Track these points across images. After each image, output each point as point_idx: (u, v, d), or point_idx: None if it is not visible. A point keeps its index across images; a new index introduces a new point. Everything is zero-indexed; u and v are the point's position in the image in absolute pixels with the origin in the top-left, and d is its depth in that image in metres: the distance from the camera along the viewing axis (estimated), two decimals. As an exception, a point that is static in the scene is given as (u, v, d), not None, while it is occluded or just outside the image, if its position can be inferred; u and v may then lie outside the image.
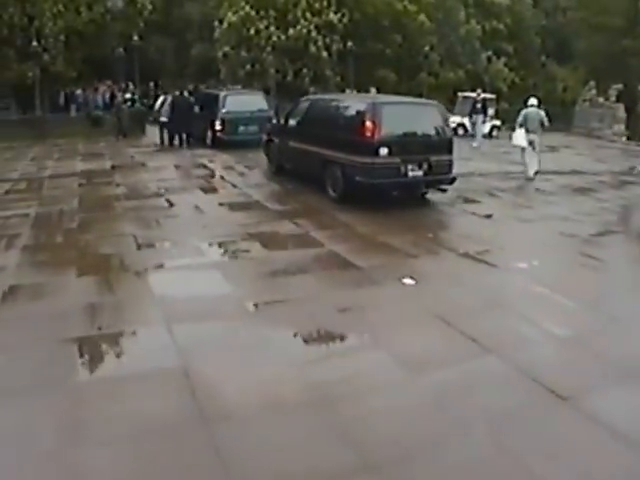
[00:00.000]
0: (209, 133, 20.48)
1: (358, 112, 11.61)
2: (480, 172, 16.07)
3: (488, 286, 7.33)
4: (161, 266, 8.08)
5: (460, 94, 28.94)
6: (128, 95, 28.62)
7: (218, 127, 19.92)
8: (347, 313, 6.44)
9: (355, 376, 5.14)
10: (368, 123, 11.09)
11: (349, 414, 4.60)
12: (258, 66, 34.16)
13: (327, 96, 16.59)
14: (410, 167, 11.21)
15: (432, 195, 12.46)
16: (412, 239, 9.33)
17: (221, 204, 11.83)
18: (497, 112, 29.07)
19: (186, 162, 17.76)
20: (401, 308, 6.60)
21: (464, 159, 18.41)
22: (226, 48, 35.32)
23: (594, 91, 31.80)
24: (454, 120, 27.29)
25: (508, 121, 25.76)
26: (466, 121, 26.22)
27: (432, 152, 11.42)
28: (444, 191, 12.08)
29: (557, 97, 41.25)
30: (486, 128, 16.23)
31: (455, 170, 11.84)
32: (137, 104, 26.07)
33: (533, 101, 15.58)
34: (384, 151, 11.00)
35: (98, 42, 35.63)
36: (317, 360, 5.42)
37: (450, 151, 11.72)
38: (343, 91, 29.91)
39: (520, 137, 15.27)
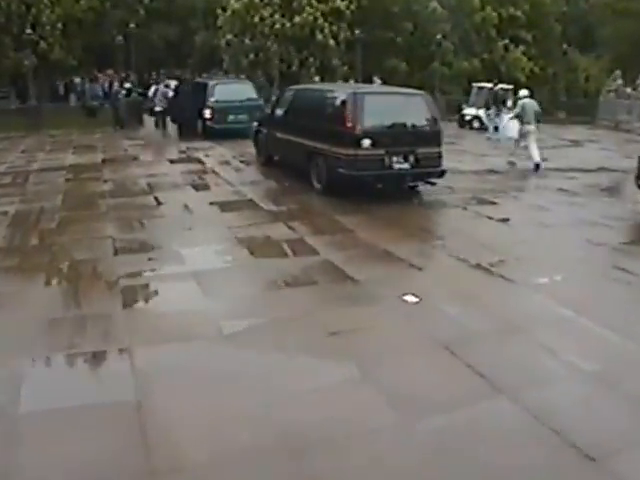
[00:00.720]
0: (199, 122, 20.89)
1: (340, 102, 11.59)
2: (496, 169, 15.33)
3: (502, 306, 6.58)
4: (135, 275, 7.51)
5: (475, 85, 28.09)
6: (128, 85, 28.09)
7: (207, 116, 20.46)
8: (336, 338, 5.72)
9: (338, 420, 4.42)
10: (349, 113, 11.11)
11: (327, 469, 3.89)
12: (262, 55, 33.68)
13: (311, 86, 16.70)
14: (395, 159, 11.15)
15: (443, 196, 11.92)
16: (418, 247, 8.71)
17: (212, 203, 11.35)
18: (514, 104, 28.27)
19: (181, 156, 17.46)
20: (399, 332, 5.88)
21: (479, 154, 17.79)
22: (229, 36, 34.90)
23: (620, 81, 30.76)
24: (469, 112, 26.58)
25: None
26: (481, 113, 25.43)
27: (419, 144, 11.35)
28: (433, 184, 11.92)
29: (579, 87, 40.38)
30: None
31: (468, 167, 11.24)
32: (134, 94, 25.40)
33: (526, 92, 15.92)
34: (367, 142, 11.00)
35: (97, 30, 35.17)
36: (295, 398, 4.71)
37: (439, 143, 11.61)
38: (356, 81, 29.25)
39: (514, 128, 15.66)
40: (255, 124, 16.04)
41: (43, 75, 31.92)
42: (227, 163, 15.96)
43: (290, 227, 9.62)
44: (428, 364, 5.28)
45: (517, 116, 15.47)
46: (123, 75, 37.59)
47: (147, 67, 48.39)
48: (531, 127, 15.27)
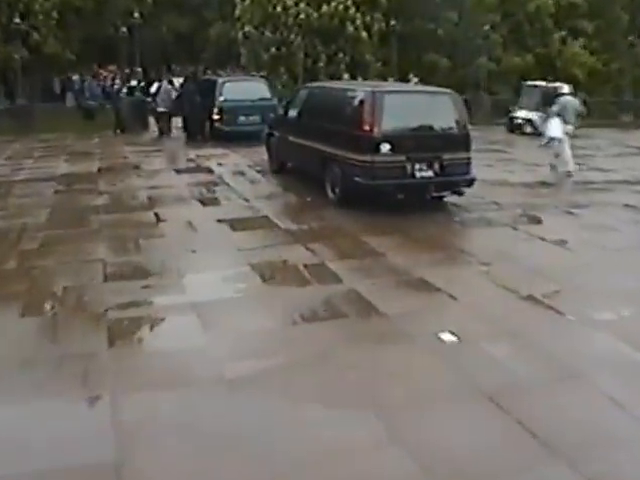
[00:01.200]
0: (207, 124, 21.51)
1: (357, 103, 11.63)
2: (550, 181, 15.06)
3: (558, 347, 6.25)
4: (126, 306, 7.33)
5: (526, 83, 27.72)
6: (134, 82, 28.26)
7: (216, 117, 20.95)
8: (359, 386, 5.47)
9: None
10: (367, 115, 11.14)
11: None
12: (285, 49, 33.63)
13: (327, 84, 16.84)
14: (418, 166, 11.20)
15: (489, 212, 11.76)
16: (459, 274, 8.46)
17: (220, 221, 11.26)
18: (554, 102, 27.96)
19: (189, 165, 17.55)
20: (434, 380, 5.60)
21: (530, 164, 17.48)
22: (248, 28, 34.97)
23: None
24: (519, 115, 26.20)
25: (588, 116, 24.50)
26: (534, 116, 24.99)
27: (445, 149, 11.40)
28: (461, 194, 11.97)
29: (648, 86, 39.77)
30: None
31: (518, 178, 11.02)
32: (137, 93, 25.49)
33: (567, 88, 16.71)
34: (386, 147, 11.02)
35: (98, 20, 35.38)
36: (304, 465, 4.43)
37: (467, 148, 11.66)
38: (385, 79, 29.11)
39: (556, 127, 15.64)
40: (267, 127, 16.31)
41: (35, 71, 32.08)
42: (241, 173, 15.95)
43: (310, 249, 9.44)
44: (469, 420, 4.99)
45: (557, 115, 15.74)
46: (127, 72, 37.91)
47: (155, 63, 48.70)
48: (569, 128, 15.63)
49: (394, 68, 33.28)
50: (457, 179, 11.55)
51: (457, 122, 11.66)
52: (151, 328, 6.81)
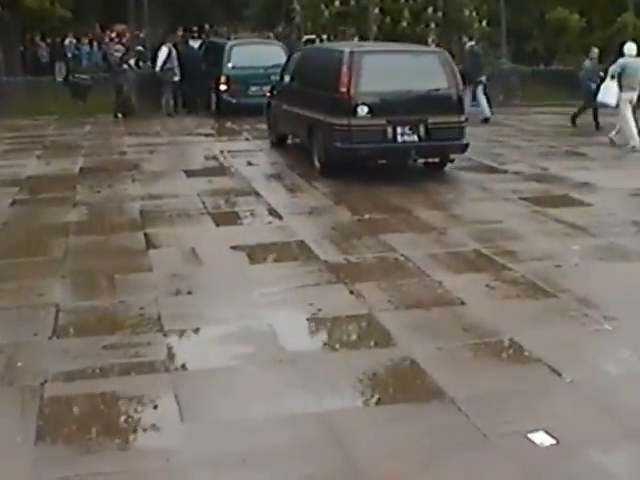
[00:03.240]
0: (213, 96, 24.66)
1: (335, 64, 14.48)
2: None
3: None
4: (74, 377, 7.06)
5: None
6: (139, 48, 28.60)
7: (223, 87, 23.90)
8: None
9: None
10: (344, 77, 13.95)
11: None
12: (353, 2, 33.38)
13: (318, 46, 21.75)
14: (400, 130, 13.83)
15: (624, 239, 11.32)
16: (571, 334, 8.03)
17: (236, 247, 11.18)
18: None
19: (207, 164, 17.85)
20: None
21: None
22: (303, -27, 34.89)
23: None
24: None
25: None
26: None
27: (431, 112, 14.01)
28: (451, 161, 14.41)
29: None
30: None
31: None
32: (144, 63, 25.90)
33: (633, 47, 18.26)
34: (364, 110, 13.83)
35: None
36: None
37: (459, 111, 14.35)
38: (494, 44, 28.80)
39: (610, 93, 17.83)
40: (267, 94, 19.45)
41: (12, 33, 32.31)
42: (278, 177, 16.05)
43: (355, 293, 9.18)
44: None
45: (612, 77, 17.82)
46: (140, 34, 38.25)
47: (180, 21, 49.13)
48: (630, 95, 17.33)
49: (503, 29, 32.80)
50: (446, 144, 14.00)
51: (446, 83, 14.32)
52: (101, 413, 6.47)
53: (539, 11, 34.20)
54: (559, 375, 7.04)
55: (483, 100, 24.61)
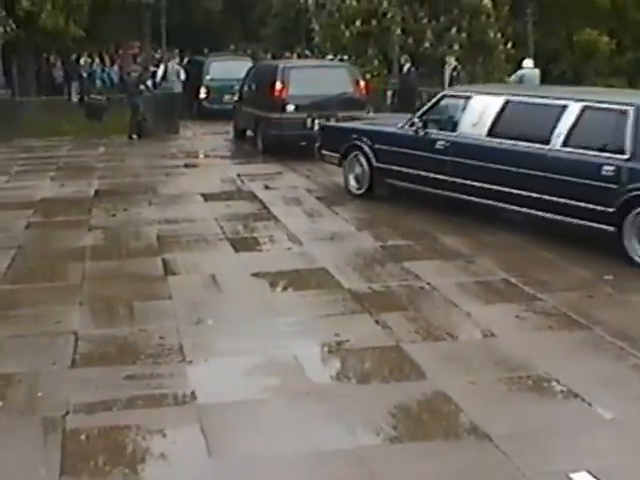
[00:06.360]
0: (195, 102, 31.03)
1: (272, 75, 21.51)
2: None
3: None
4: (96, 408, 7.05)
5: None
6: (154, 68, 28.83)
7: (202, 95, 30.74)
8: None
9: None
10: (278, 84, 20.78)
11: None
12: (375, 23, 33.39)
13: (265, 62, 32.59)
14: (317, 122, 19.25)
15: None
16: (613, 370, 7.94)
17: (257, 275, 11.11)
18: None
19: (225, 187, 17.93)
20: None
21: None
22: (323, -7, 35.06)
23: None
24: None
25: None
26: None
27: (340, 108, 19.74)
28: None
29: None
30: None
31: None
32: (165, 82, 26.16)
33: (529, 62, 24.37)
34: (291, 108, 20.50)
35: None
36: None
37: (361, 107, 20.69)
38: (519, 66, 28.67)
39: None
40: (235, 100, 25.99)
41: (27, 52, 32.51)
42: (297, 202, 16.02)
43: (381, 323, 9.10)
44: None
45: None
46: (156, 53, 38.42)
47: (195, 40, 49.24)
48: None
49: (530, 50, 32.70)
50: None
51: (351, 88, 21.46)
52: (125, 447, 6.43)
53: (567, 32, 34.07)
54: (598, 411, 6.98)
55: None
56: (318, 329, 9.05)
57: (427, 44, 33.42)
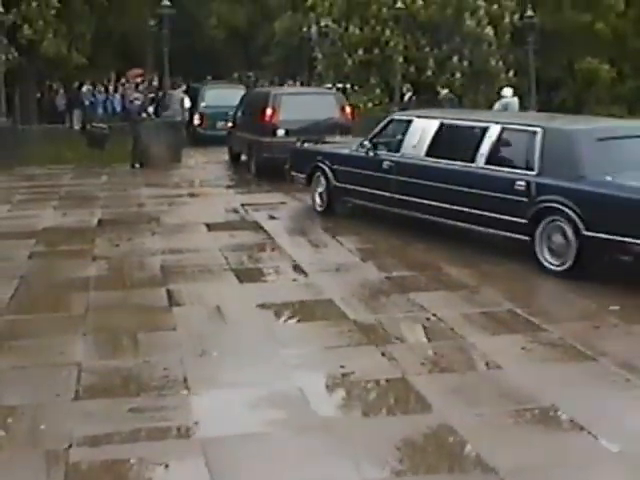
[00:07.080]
0: (190, 128, 32.06)
1: (263, 101, 23.25)
2: None
3: None
4: (99, 442, 6.99)
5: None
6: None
7: (197, 121, 32.37)
8: None
9: None
10: (269, 110, 22.44)
11: None
12: (377, 51, 33.58)
13: (257, 89, 34.33)
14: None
15: None
16: (610, 399, 7.89)
17: (262, 306, 11.07)
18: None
19: (229, 217, 18.00)
20: None
21: None
22: (325, 21, 35.15)
23: None
24: None
25: None
26: None
27: (327, 133, 20.12)
28: None
29: None
30: None
31: None
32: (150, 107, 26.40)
33: (508, 91, 26.33)
34: (281, 132, 21.95)
35: (119, 11, 35.99)
36: None
37: (347, 131, 21.91)
38: (521, 99, 28.91)
39: None
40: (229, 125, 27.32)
41: (29, 79, 32.61)
42: (302, 233, 16.03)
43: (387, 355, 9.06)
44: None
45: None
46: (154, 82, 38.55)
47: (197, 68, 49.44)
48: None
49: (531, 78, 32.82)
50: None
51: (338, 114, 23.13)
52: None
53: (568, 61, 34.20)
54: (605, 445, 6.93)
55: None
56: (323, 361, 9.01)
57: (429, 72, 33.62)
